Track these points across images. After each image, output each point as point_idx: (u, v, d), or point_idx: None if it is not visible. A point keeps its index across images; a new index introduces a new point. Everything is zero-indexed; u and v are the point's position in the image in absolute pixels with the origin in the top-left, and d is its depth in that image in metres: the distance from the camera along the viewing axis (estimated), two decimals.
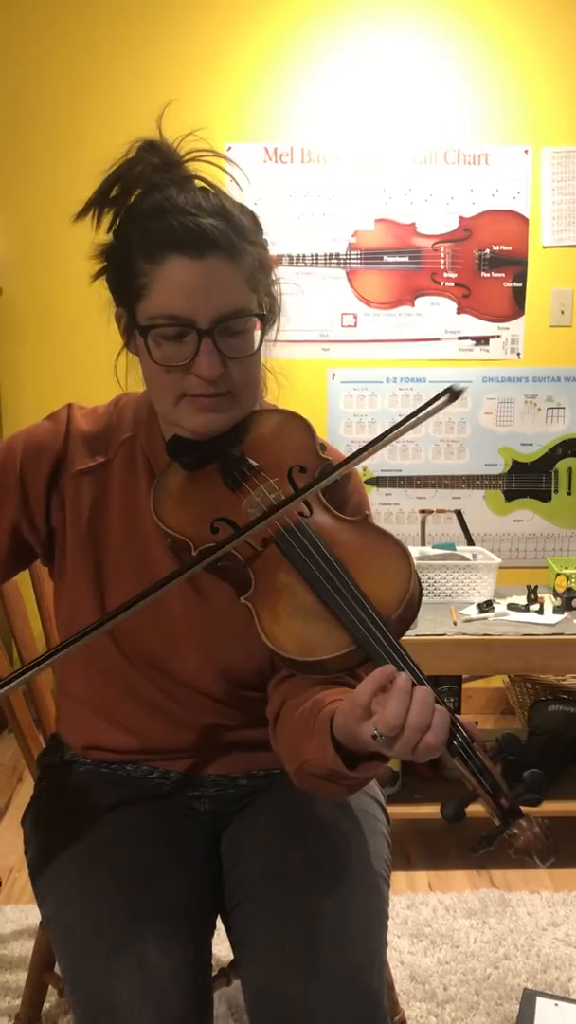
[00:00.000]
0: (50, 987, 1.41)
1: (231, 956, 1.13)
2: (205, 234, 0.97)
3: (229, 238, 0.99)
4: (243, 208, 1.05)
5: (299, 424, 1.12)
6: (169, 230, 0.98)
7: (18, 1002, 1.46)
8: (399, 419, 0.96)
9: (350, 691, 0.90)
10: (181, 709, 1.13)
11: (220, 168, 1.09)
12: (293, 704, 1.01)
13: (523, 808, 0.83)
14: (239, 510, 1.04)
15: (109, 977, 0.94)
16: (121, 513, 1.12)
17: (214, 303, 0.98)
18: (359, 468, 2.79)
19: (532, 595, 2.27)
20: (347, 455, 1.01)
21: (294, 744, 0.99)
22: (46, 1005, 1.47)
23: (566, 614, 2.20)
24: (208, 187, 1.06)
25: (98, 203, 1.06)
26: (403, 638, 0.94)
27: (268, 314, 1.08)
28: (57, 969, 1.12)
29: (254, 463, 1.07)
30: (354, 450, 0.97)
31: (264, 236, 1.08)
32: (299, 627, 0.96)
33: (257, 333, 1.05)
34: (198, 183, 1.06)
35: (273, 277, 1.10)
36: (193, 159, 1.07)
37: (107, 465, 1.13)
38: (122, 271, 1.03)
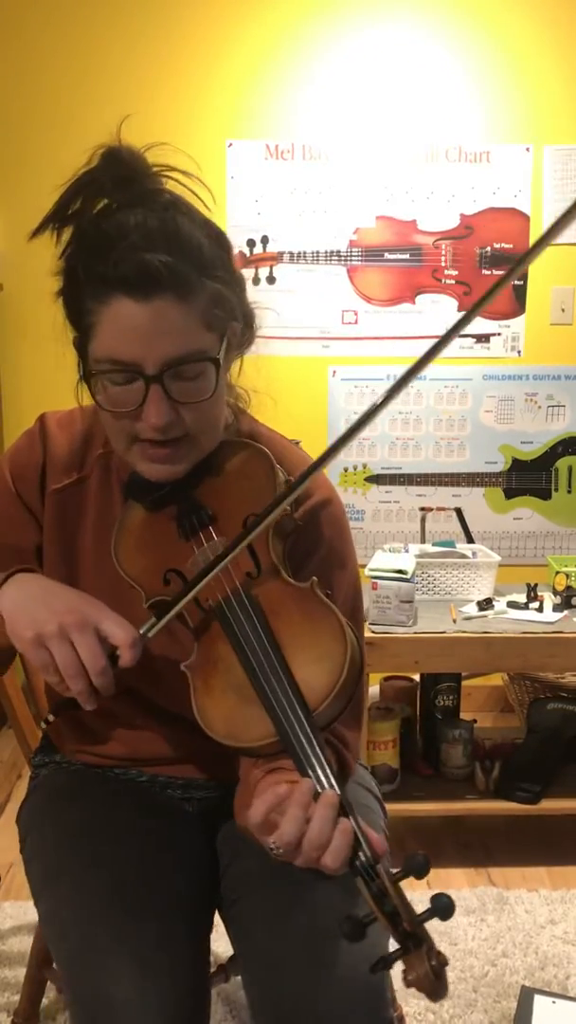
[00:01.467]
0: (48, 983, 1.41)
1: (229, 952, 1.13)
2: (151, 273, 0.90)
3: (180, 276, 0.91)
4: (209, 230, 0.98)
5: (261, 463, 1.03)
6: (114, 268, 0.91)
7: (17, 998, 1.47)
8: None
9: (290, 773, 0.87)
10: (167, 728, 1.13)
11: (182, 184, 1.00)
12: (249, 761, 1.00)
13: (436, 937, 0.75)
14: (187, 564, 0.99)
15: (107, 976, 0.93)
16: (94, 534, 1.10)
17: (162, 348, 0.92)
18: (361, 466, 2.79)
19: (532, 593, 2.27)
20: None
21: (239, 802, 1.00)
22: (44, 1001, 1.48)
23: (565, 612, 2.20)
24: (171, 204, 0.96)
25: (56, 219, 0.99)
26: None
27: (235, 340, 1.01)
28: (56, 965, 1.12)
29: (210, 512, 1.02)
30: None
31: (232, 256, 1.01)
32: (231, 706, 0.92)
33: (220, 370, 0.97)
34: (165, 196, 0.97)
35: (244, 299, 1.03)
36: (158, 173, 0.99)
37: (83, 481, 1.11)
38: (72, 305, 0.97)
